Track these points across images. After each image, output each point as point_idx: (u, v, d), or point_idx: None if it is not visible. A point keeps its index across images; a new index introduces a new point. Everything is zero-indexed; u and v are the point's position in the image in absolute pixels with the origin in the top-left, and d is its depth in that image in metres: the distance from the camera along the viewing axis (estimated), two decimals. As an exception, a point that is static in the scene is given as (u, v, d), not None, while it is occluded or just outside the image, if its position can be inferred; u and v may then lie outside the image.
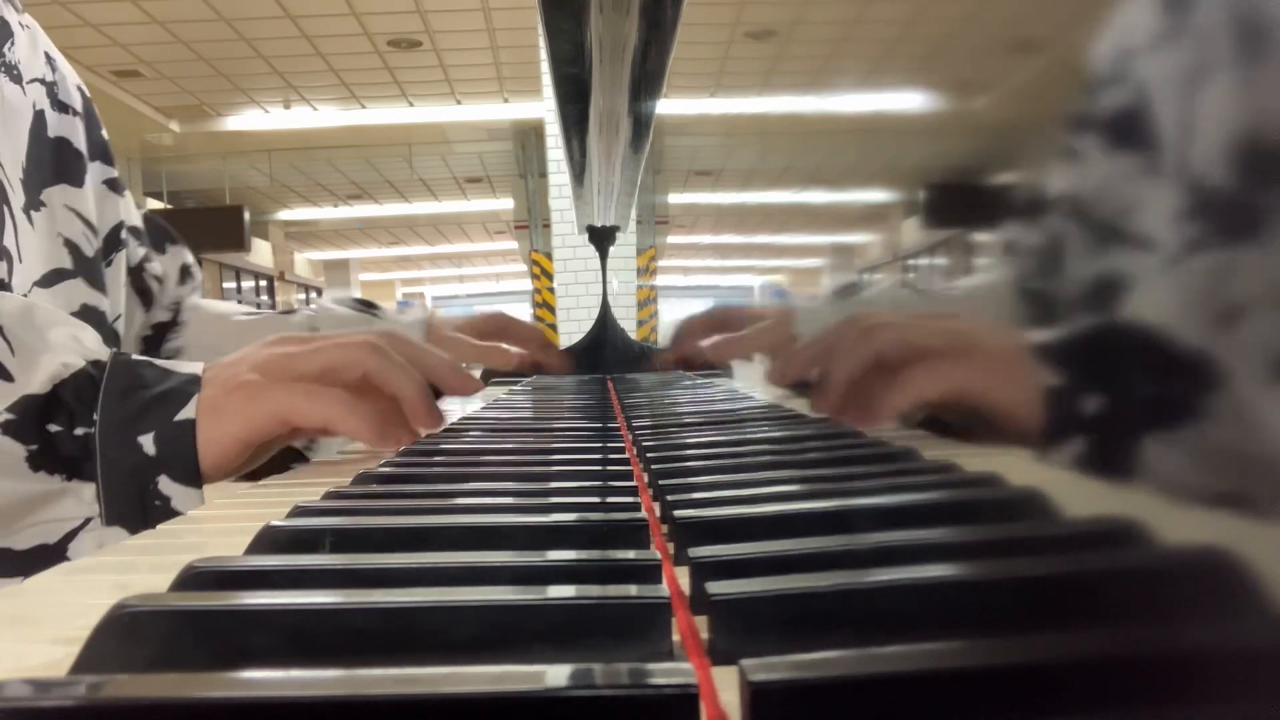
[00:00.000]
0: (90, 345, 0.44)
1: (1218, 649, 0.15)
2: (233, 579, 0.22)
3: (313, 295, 13.93)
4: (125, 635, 0.18)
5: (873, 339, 0.46)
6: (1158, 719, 0.15)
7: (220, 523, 0.34)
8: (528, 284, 8.03)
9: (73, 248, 0.62)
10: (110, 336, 0.64)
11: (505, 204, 9.63)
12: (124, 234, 0.68)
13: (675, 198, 10.40)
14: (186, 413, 0.41)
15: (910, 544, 0.23)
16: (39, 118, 0.62)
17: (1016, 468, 0.35)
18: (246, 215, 8.52)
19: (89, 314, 0.61)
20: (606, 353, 1.16)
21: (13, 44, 0.60)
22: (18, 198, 0.58)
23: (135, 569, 0.28)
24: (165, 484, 0.41)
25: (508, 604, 0.19)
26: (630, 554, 0.23)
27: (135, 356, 0.44)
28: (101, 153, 0.68)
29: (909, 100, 7.22)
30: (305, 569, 0.23)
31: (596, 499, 0.32)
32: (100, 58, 5.80)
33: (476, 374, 0.92)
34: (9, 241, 0.55)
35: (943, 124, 7.67)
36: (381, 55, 6.18)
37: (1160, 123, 0.52)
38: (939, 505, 0.29)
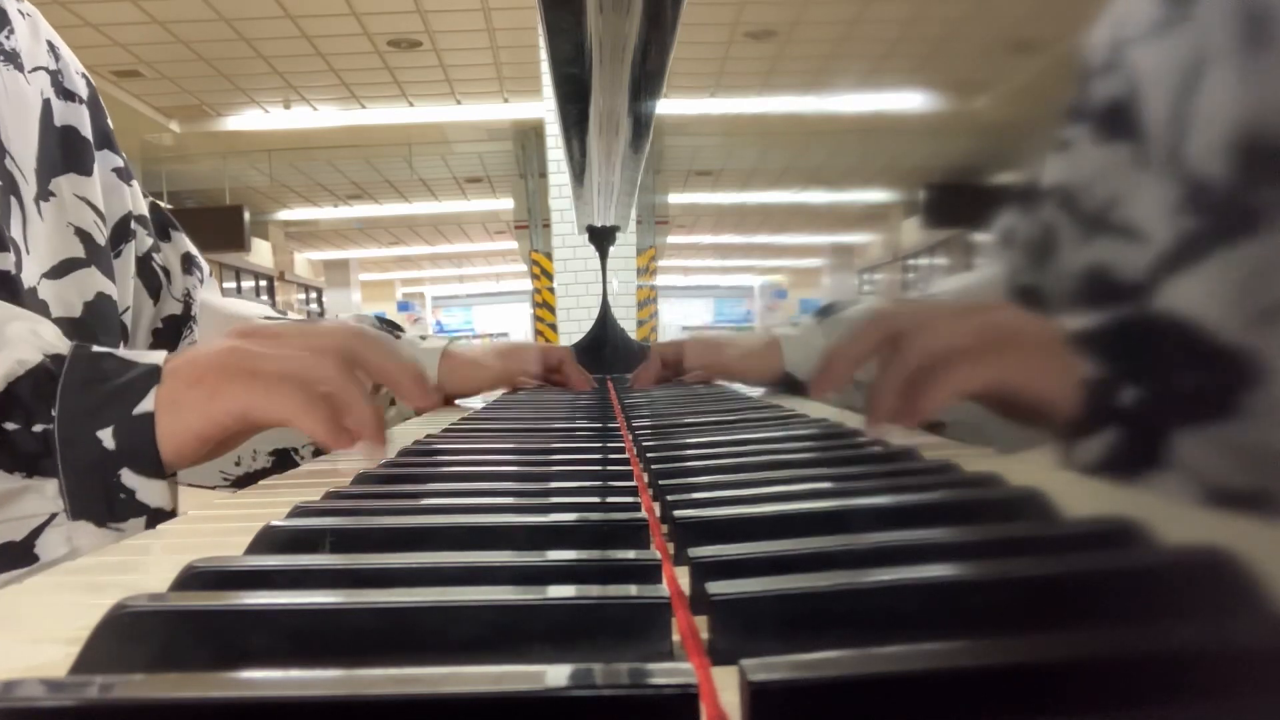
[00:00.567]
0: (49, 339, 0.43)
1: (1218, 649, 0.15)
2: (233, 579, 0.22)
3: (312, 295, 13.94)
4: (125, 635, 0.18)
5: (916, 342, 0.44)
6: (1158, 719, 0.15)
7: (220, 523, 0.34)
8: (528, 284, 8.03)
9: (85, 236, 0.60)
10: (120, 328, 0.63)
11: (505, 204, 9.63)
12: (133, 224, 0.68)
13: (675, 198, 10.40)
14: (145, 406, 0.41)
15: (910, 544, 0.23)
16: (45, 106, 0.61)
17: (1016, 468, 0.35)
18: (246, 215, 8.53)
19: (104, 303, 0.61)
20: (606, 353, 1.16)
21: (11, 32, 0.59)
22: (29, 188, 0.57)
23: (135, 569, 0.28)
24: (128, 476, 0.41)
25: (508, 604, 0.19)
26: (630, 554, 0.23)
27: (96, 349, 0.43)
28: (108, 141, 0.67)
29: (909, 100, 7.22)
30: (305, 569, 0.23)
31: (597, 499, 0.32)
32: (100, 58, 5.80)
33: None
34: (17, 232, 0.55)
35: (943, 124, 7.67)
36: (381, 55, 6.18)
37: (1159, 113, 0.51)
38: (939, 505, 0.29)
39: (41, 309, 0.55)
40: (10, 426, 0.39)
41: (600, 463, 0.41)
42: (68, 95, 0.63)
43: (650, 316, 6.75)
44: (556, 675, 0.15)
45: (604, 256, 1.21)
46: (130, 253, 0.67)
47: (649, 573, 0.22)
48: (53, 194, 0.60)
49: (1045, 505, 0.27)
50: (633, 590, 0.20)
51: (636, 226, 5.56)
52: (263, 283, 11.86)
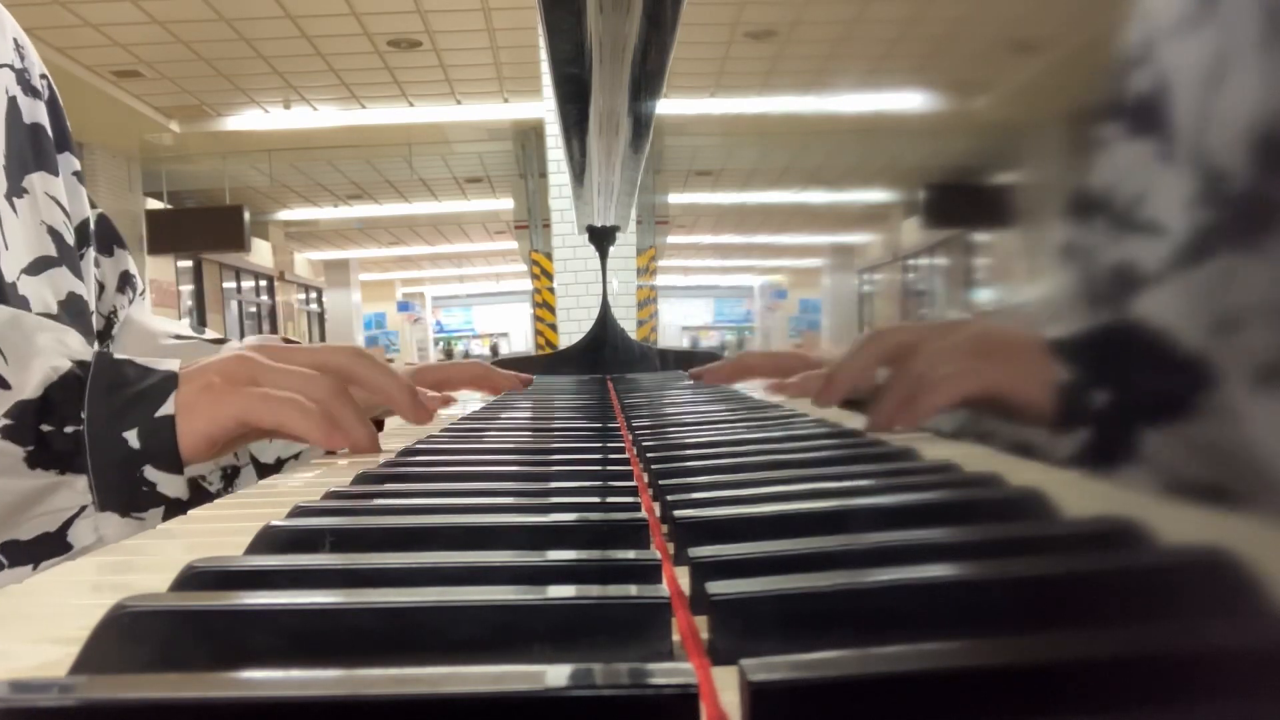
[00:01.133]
0: (75, 347, 0.47)
1: (1218, 649, 0.15)
2: (232, 579, 0.22)
3: (312, 295, 13.95)
4: (125, 635, 0.18)
5: (913, 354, 0.50)
6: (1158, 719, 0.15)
7: (220, 523, 0.34)
8: (528, 284, 8.03)
9: (56, 236, 0.61)
10: (89, 327, 0.63)
11: (505, 204, 9.63)
12: (90, 229, 0.68)
13: (675, 198, 10.39)
14: (166, 409, 0.45)
15: (910, 544, 0.23)
16: (12, 103, 0.60)
17: (1016, 468, 0.35)
18: (246, 215, 8.52)
19: (75, 302, 0.61)
20: (606, 353, 1.16)
21: None
22: (1, 184, 0.57)
23: (135, 569, 0.28)
24: (150, 472, 0.45)
25: (508, 604, 0.19)
26: (630, 554, 0.23)
27: (117, 356, 0.47)
28: (67, 143, 0.67)
29: (909, 100, 7.21)
30: (305, 569, 0.23)
31: (597, 499, 0.32)
32: (100, 58, 5.79)
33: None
34: None
35: (943, 124, 7.64)
36: (381, 55, 6.18)
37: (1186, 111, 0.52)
38: (939, 505, 0.29)
39: (22, 305, 0.56)
40: (46, 428, 0.43)
41: (600, 463, 0.41)
42: (35, 93, 0.63)
43: (650, 316, 6.75)
44: (556, 675, 0.15)
45: (604, 256, 1.21)
46: (90, 257, 0.68)
47: (649, 573, 0.22)
48: (26, 191, 0.60)
49: (1045, 505, 0.27)
50: (633, 590, 0.20)
51: (636, 226, 5.56)
52: (262, 283, 11.86)
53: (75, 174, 0.67)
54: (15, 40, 0.63)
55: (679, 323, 16.70)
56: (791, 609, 0.18)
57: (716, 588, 0.19)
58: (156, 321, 0.76)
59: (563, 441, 0.50)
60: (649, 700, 0.14)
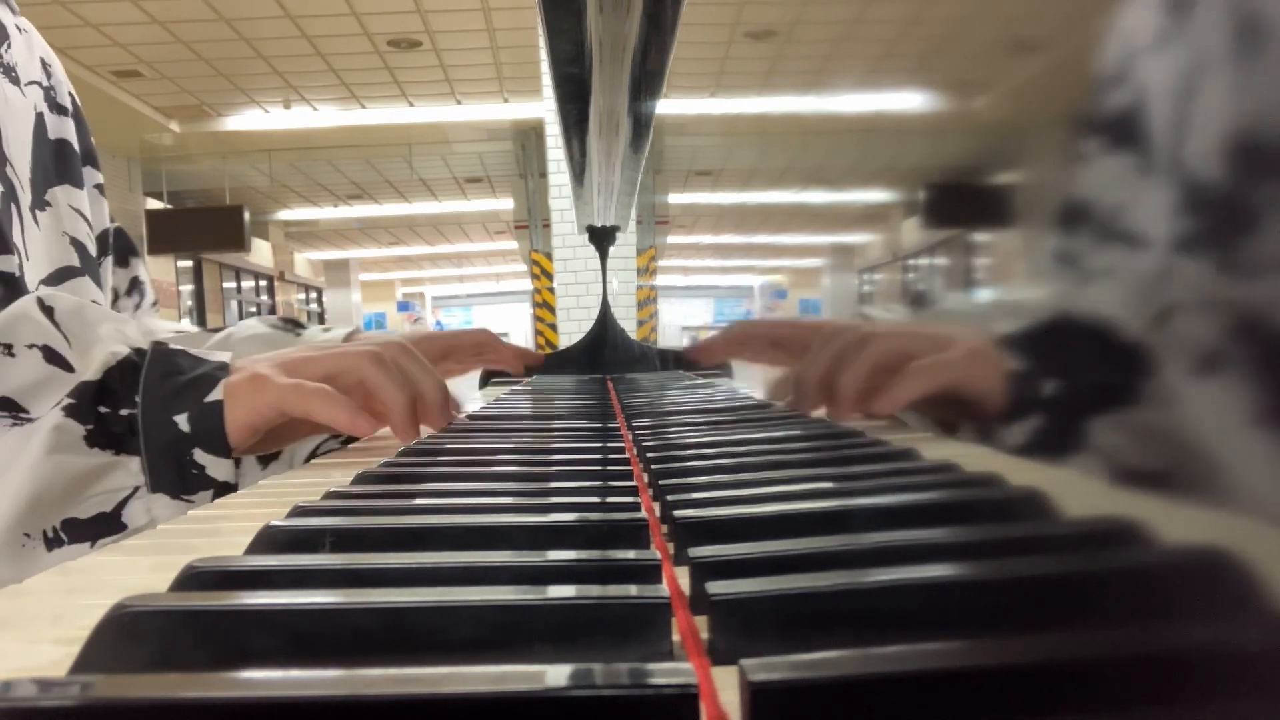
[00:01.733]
0: (133, 335, 0.50)
1: (1218, 649, 0.15)
2: (232, 579, 0.22)
3: (312, 295, 13.94)
4: (125, 635, 0.18)
5: (875, 348, 0.52)
6: (1158, 719, 0.15)
7: (220, 523, 0.34)
8: (528, 284, 8.03)
9: (79, 247, 0.65)
10: None
11: (505, 204, 9.63)
12: (110, 239, 0.71)
13: (675, 198, 10.40)
14: (215, 395, 0.47)
15: (910, 544, 0.23)
16: (39, 119, 0.63)
17: (1017, 468, 0.35)
18: (246, 215, 8.52)
19: None
20: (606, 353, 1.16)
21: (9, 46, 0.62)
22: (26, 196, 0.60)
23: (135, 569, 0.28)
24: (200, 455, 0.47)
25: (508, 604, 0.19)
26: (630, 554, 0.23)
27: (172, 345, 0.50)
28: (91, 158, 0.71)
29: (909, 100, 7.22)
30: (305, 569, 0.22)
31: (596, 499, 0.32)
32: (100, 58, 5.79)
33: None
34: (17, 238, 0.58)
35: (943, 124, 7.66)
36: (381, 55, 6.18)
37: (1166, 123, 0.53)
38: (939, 505, 0.29)
39: None
40: (104, 409, 0.46)
41: (600, 463, 0.41)
42: (60, 110, 0.66)
43: (650, 316, 6.75)
44: (556, 675, 0.15)
45: (604, 256, 1.21)
46: (108, 266, 0.71)
47: (649, 573, 0.22)
48: (49, 204, 0.63)
49: (1045, 505, 0.27)
50: (633, 590, 0.20)
51: (636, 226, 5.56)
52: (262, 282, 11.86)
53: (97, 186, 0.71)
54: (43, 59, 0.66)
55: (679, 323, 16.70)
56: (791, 609, 0.18)
57: (716, 588, 0.19)
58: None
59: (563, 441, 0.50)
60: (649, 700, 0.14)
